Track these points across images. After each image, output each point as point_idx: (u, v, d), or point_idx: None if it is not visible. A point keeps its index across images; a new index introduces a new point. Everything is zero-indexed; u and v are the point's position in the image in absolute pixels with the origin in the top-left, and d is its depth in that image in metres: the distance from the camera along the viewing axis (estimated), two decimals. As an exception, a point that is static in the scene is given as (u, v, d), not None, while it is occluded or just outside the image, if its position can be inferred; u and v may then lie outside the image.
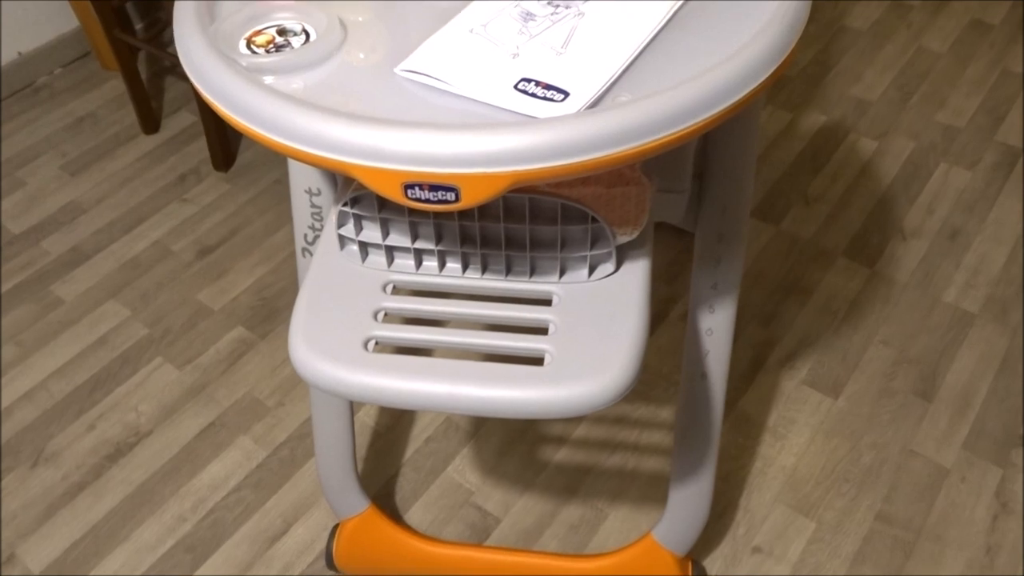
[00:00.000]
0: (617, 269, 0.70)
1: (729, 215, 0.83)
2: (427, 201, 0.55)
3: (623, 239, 0.69)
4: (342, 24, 0.64)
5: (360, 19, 0.66)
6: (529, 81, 0.56)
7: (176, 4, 0.67)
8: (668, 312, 1.42)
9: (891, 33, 1.98)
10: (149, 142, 1.81)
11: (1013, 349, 1.35)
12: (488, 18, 0.61)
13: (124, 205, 1.68)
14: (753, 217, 1.58)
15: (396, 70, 0.59)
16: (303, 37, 0.63)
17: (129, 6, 2.00)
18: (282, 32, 0.63)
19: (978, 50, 1.91)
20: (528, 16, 0.61)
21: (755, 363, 1.35)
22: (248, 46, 0.62)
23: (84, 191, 1.71)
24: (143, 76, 1.94)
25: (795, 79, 1.89)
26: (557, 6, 0.62)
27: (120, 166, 1.76)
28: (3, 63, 1.91)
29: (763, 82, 0.58)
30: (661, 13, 0.62)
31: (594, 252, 0.68)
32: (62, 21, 1.98)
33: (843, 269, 1.51)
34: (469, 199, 0.54)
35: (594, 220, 0.66)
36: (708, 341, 0.92)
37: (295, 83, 0.60)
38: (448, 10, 0.64)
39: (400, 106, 0.57)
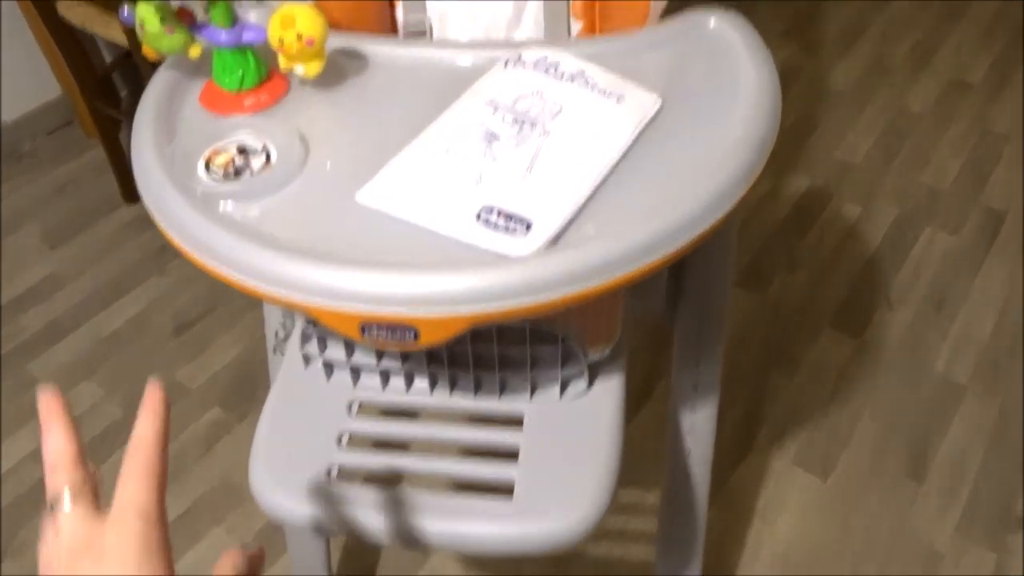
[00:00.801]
0: (590, 385, 0.68)
1: (707, 316, 0.82)
2: (386, 340, 0.53)
3: (595, 357, 0.67)
4: (303, 141, 0.63)
5: (322, 132, 0.64)
6: (491, 211, 0.55)
7: (136, 119, 0.66)
8: (653, 388, 1.40)
9: (873, 93, 1.99)
10: (129, 212, 1.79)
11: (1003, 423, 1.33)
12: (451, 140, 0.60)
13: (102, 278, 1.66)
14: (737, 284, 1.57)
15: (357, 198, 0.58)
16: (263, 156, 0.62)
17: (115, 73, 2.00)
18: (242, 150, 0.62)
19: (959, 110, 1.92)
20: (492, 137, 0.60)
21: (743, 441, 1.33)
22: (207, 166, 0.61)
23: (63, 263, 1.69)
24: (125, 143, 1.93)
25: (778, 141, 1.88)
26: (522, 124, 0.61)
27: (100, 237, 1.75)
28: (-15, 132, 1.90)
29: (734, 207, 0.57)
30: (628, 132, 0.61)
31: (565, 371, 0.66)
32: (47, 89, 1.97)
33: (830, 339, 1.49)
34: (429, 338, 0.52)
35: (564, 339, 0.65)
36: (690, 440, 0.89)
37: (252, 210, 0.58)
38: (412, 123, 0.63)
39: (360, 238, 0.55)
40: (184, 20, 0.63)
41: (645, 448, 1.32)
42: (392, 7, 0.86)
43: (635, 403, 1.37)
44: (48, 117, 2.01)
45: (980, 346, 1.45)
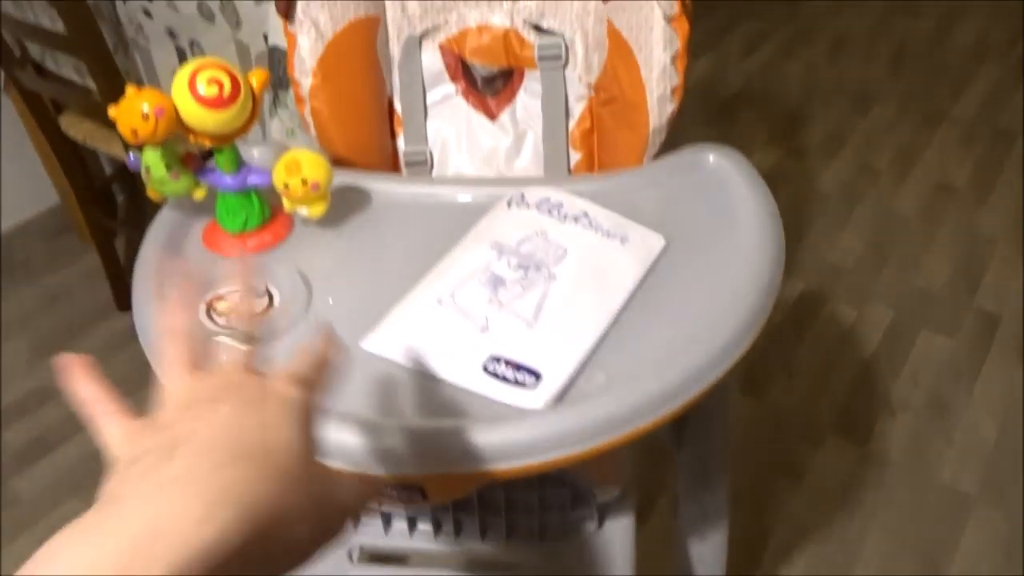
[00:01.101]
0: (601, 526, 0.66)
1: (712, 444, 0.80)
2: (392, 499, 0.51)
3: (605, 498, 0.65)
4: (306, 283, 0.62)
5: (325, 272, 0.64)
6: (499, 360, 0.54)
7: (137, 266, 0.65)
8: (656, 500, 1.37)
9: (861, 196, 2.02)
10: (121, 320, 1.78)
11: (1015, 536, 1.29)
12: (456, 285, 0.59)
13: (93, 389, 1.62)
14: (737, 392, 1.55)
15: (362, 344, 0.57)
16: (266, 299, 0.61)
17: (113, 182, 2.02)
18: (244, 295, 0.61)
19: (946, 213, 1.96)
20: (497, 282, 0.59)
21: (750, 558, 1.29)
22: (209, 313, 0.60)
23: (53, 375, 1.66)
24: (121, 250, 1.93)
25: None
26: (527, 268, 0.60)
27: (91, 347, 1.72)
28: (-19, 242, 1.90)
29: (745, 352, 0.56)
30: (633, 274, 0.60)
31: (575, 514, 0.64)
32: (45, 197, 1.99)
33: (833, 448, 1.46)
34: (437, 498, 0.50)
35: (573, 483, 0.63)
36: (700, 568, 0.86)
37: (254, 359, 0.57)
38: (416, 263, 0.62)
39: (364, 388, 0.54)
40: (189, 165, 0.64)
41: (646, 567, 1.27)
42: (393, 137, 0.88)
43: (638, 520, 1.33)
44: (45, 224, 2.02)
45: (986, 454, 1.43)
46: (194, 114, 0.57)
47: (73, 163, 1.63)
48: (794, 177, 2.08)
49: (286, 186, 0.62)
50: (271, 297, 0.61)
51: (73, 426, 1.56)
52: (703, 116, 2.33)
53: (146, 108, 0.55)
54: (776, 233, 0.63)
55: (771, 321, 1.86)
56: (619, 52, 0.76)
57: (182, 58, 1.27)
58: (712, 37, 2.64)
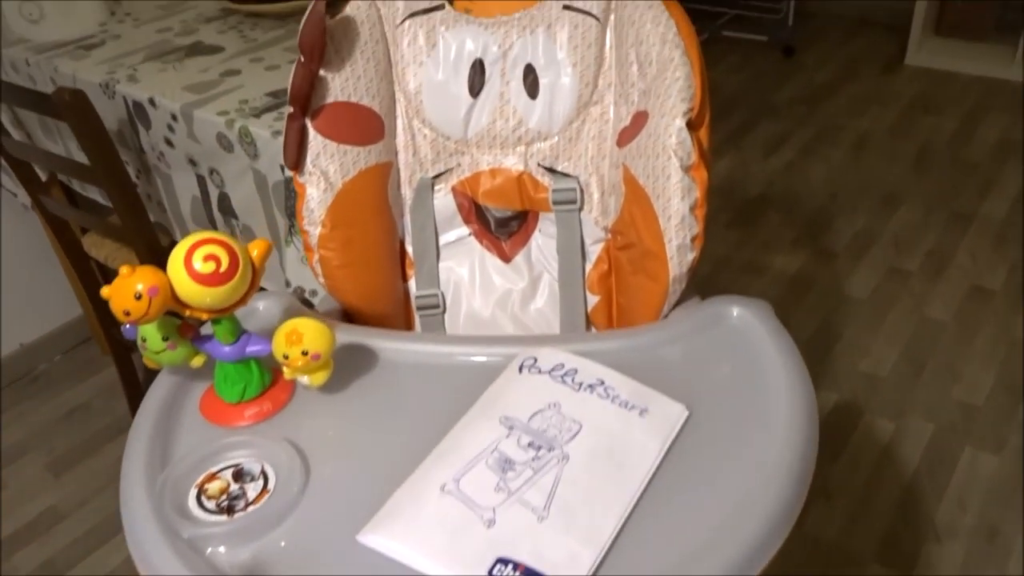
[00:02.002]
0: None
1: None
2: None
3: None
4: (303, 461, 0.59)
5: (325, 445, 0.60)
6: (506, 563, 0.49)
7: (131, 434, 0.62)
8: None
9: (893, 301, 1.96)
10: (138, 436, 1.75)
11: None
12: (461, 469, 0.55)
13: (104, 511, 1.59)
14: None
15: (358, 538, 0.53)
16: (261, 481, 0.57)
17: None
18: (238, 475, 0.58)
19: (983, 319, 1.89)
20: (506, 464, 0.55)
21: None
22: (199, 496, 0.56)
23: (66, 494, 1.63)
24: (138, 363, 1.92)
25: (801, 354, 1.85)
26: (539, 448, 0.56)
27: (105, 464, 1.69)
28: (3, 354, 1.90)
29: (777, 549, 0.51)
30: (653, 454, 0.56)
31: None
32: (66, 310, 2.00)
33: (877, 578, 1.37)
34: None
35: None
36: None
37: (243, 554, 0.53)
38: (422, 434, 0.58)
39: (359, 592, 0.49)
40: (186, 334, 0.61)
41: None
42: (405, 280, 0.86)
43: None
44: (65, 337, 2.02)
45: (1044, 588, 1.32)
46: (190, 291, 0.55)
47: (93, 280, 1.64)
48: (822, 281, 2.04)
49: (286, 357, 0.59)
50: (266, 479, 0.57)
51: (84, 548, 1.51)
52: (726, 218, 2.31)
53: (140, 288, 0.53)
54: (807, 402, 0.59)
55: None
56: (636, 199, 0.74)
57: (202, 184, 1.27)
58: (733, 138, 2.64)
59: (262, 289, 0.73)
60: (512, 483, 0.54)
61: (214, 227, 1.32)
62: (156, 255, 1.40)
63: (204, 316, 0.58)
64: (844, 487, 1.53)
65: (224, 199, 1.26)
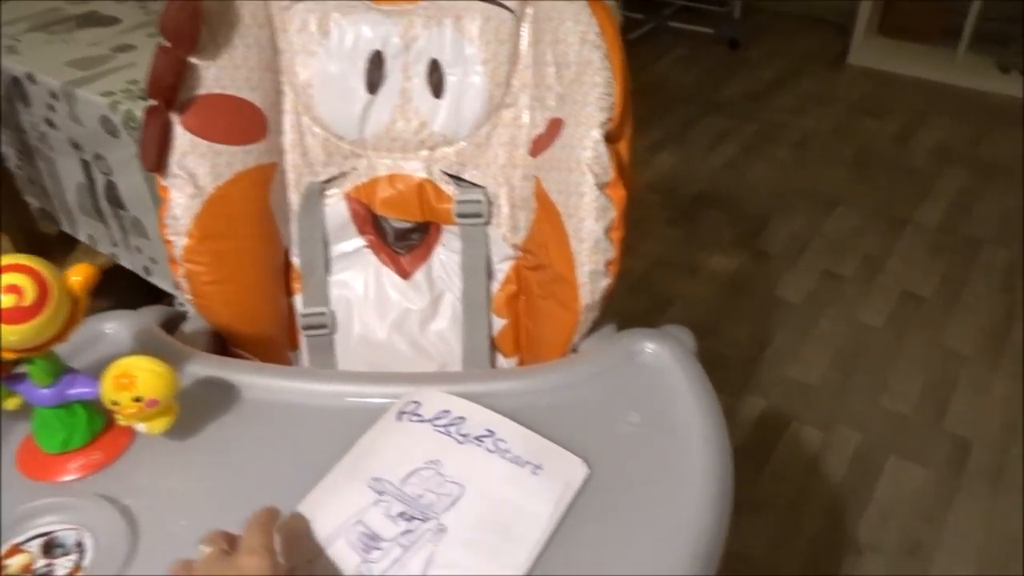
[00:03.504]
0: None
1: None
2: None
3: None
4: (131, 525, 0.49)
5: (162, 503, 0.51)
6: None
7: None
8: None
9: (825, 306, 1.94)
10: None
11: None
12: (317, 546, 0.47)
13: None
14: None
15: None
16: (75, 555, 0.48)
17: None
18: (48, 547, 0.48)
19: (912, 325, 1.88)
20: (371, 541, 0.47)
21: None
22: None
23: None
24: None
25: (731, 357, 1.81)
26: (411, 520, 0.48)
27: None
28: None
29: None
30: (544, 522, 0.49)
31: None
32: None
33: (800, 598, 1.34)
34: None
35: None
36: None
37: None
38: (280, 491, 0.50)
39: None
40: (-2, 372, 0.51)
41: None
42: (290, 295, 0.76)
43: None
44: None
45: (963, 608, 1.31)
46: (-12, 328, 0.45)
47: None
48: (757, 283, 2.00)
49: (115, 403, 0.50)
50: (82, 552, 0.48)
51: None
52: (667, 215, 2.26)
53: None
54: (722, 455, 0.53)
55: (733, 446, 1.70)
56: (547, 216, 0.66)
57: (87, 171, 1.15)
58: (677, 133, 2.59)
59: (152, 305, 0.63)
60: (376, 566, 0.46)
61: (101, 218, 1.20)
62: (37, 244, 1.28)
63: (12, 355, 0.48)
64: (771, 499, 1.49)
65: (111, 188, 1.14)
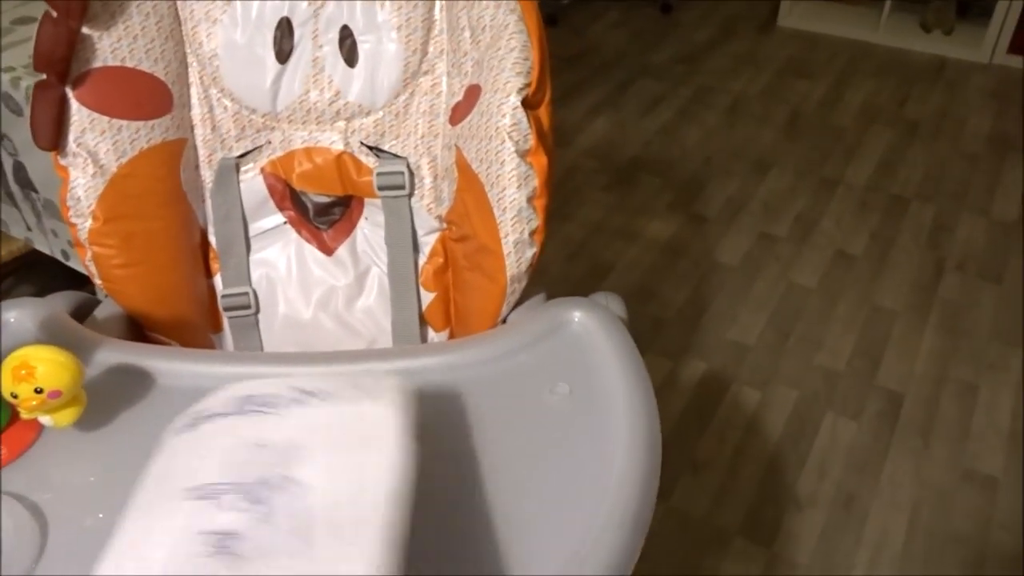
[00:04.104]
0: None
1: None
2: None
3: None
4: (40, 523, 0.47)
5: (74, 495, 0.49)
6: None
7: None
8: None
9: (761, 267, 1.97)
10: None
11: (930, 650, 1.22)
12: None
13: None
14: (640, 496, 1.44)
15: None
16: (-19, 556, 0.46)
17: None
18: (-49, 551, 0.46)
19: (845, 284, 1.92)
20: (225, 543, 0.40)
21: None
22: None
23: None
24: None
25: (671, 321, 1.83)
26: (259, 496, 0.42)
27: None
28: None
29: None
30: (394, 432, 0.44)
31: None
32: None
33: (741, 552, 1.37)
34: None
35: None
36: None
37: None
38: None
39: None
40: None
41: None
42: (209, 276, 0.74)
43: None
44: None
45: (895, 554, 1.36)
46: None
47: None
48: (694, 247, 2.02)
49: (15, 396, 0.47)
50: (-15, 552, 0.45)
51: None
52: (603, 180, 2.26)
53: None
54: (649, 430, 0.52)
55: (673, 407, 1.71)
56: (469, 186, 0.65)
57: (-9, 152, 1.09)
58: (611, 97, 2.59)
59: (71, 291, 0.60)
60: (245, 558, 0.41)
61: (12, 201, 1.14)
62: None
63: None
64: (711, 460, 1.52)
65: (20, 169, 1.08)
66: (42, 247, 1.18)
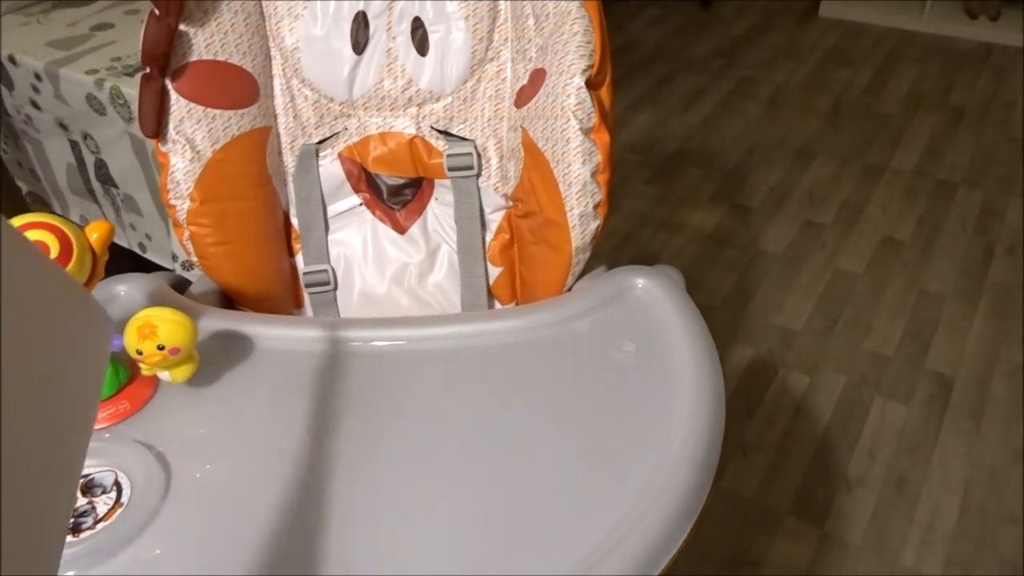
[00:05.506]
0: None
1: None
2: None
3: None
4: (164, 467, 0.53)
5: (192, 442, 0.54)
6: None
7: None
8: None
9: (806, 255, 1.98)
10: None
11: (985, 626, 1.22)
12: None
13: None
14: (691, 477, 1.47)
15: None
16: (113, 494, 0.51)
17: None
18: (87, 488, 0.51)
19: (892, 270, 1.92)
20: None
21: (710, 668, 1.19)
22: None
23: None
24: None
25: (718, 309, 1.85)
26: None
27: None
28: None
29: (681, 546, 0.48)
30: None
31: None
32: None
33: (792, 532, 1.39)
34: None
35: None
36: None
37: (92, 579, 0.47)
38: (307, 425, 0.52)
39: None
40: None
41: None
42: (291, 255, 0.79)
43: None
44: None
45: (947, 533, 1.36)
46: (15, 284, 0.47)
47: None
48: (739, 236, 2.04)
49: (139, 352, 0.52)
50: (120, 491, 0.50)
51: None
52: (646, 174, 2.29)
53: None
54: (714, 382, 0.56)
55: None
56: (535, 164, 0.69)
57: (76, 151, 1.17)
58: (652, 92, 2.61)
59: (151, 269, 0.66)
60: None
61: (93, 197, 1.21)
62: (30, 229, 1.28)
63: (37, 311, 0.51)
64: (761, 442, 1.54)
65: (101, 166, 1.15)
66: (121, 241, 1.25)
